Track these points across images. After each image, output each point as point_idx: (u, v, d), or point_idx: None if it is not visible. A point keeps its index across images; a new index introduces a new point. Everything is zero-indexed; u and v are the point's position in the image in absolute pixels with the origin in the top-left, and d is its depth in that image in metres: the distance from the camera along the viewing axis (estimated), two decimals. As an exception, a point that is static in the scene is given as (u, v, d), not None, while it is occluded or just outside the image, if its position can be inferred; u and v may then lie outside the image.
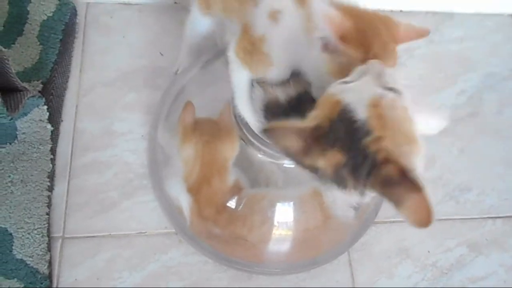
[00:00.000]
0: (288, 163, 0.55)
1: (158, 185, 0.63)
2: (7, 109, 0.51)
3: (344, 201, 0.60)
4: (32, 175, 0.61)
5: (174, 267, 0.61)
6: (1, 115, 0.52)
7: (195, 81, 0.69)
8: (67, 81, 0.70)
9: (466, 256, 0.68)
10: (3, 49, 0.50)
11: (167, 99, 0.67)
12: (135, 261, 0.61)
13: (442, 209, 0.70)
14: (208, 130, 0.55)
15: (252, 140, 0.54)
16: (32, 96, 0.60)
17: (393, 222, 0.68)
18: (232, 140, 0.54)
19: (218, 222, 0.55)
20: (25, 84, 0.62)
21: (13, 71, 0.53)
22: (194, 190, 0.54)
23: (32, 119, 0.62)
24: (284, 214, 0.57)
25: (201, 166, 0.53)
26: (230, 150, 0.54)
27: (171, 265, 0.62)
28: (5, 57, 0.51)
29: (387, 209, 0.66)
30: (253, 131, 0.53)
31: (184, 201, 0.56)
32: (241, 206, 0.56)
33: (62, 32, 0.69)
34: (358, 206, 0.61)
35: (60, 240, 0.60)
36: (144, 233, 0.63)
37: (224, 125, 0.55)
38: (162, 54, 0.75)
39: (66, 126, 0.67)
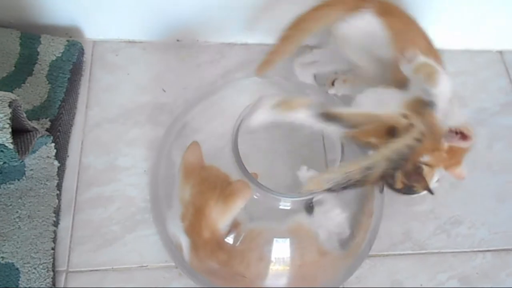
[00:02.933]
0: (283, 205, 0.58)
1: (159, 220, 0.65)
2: (18, 153, 0.54)
3: (327, 234, 0.63)
4: (39, 211, 0.63)
5: (174, 301, 0.64)
6: (13, 159, 0.55)
7: (197, 117, 0.72)
8: (73, 118, 0.73)
9: (458, 289, 0.70)
10: (17, 97, 0.53)
11: (170, 135, 0.70)
12: (137, 295, 0.63)
13: (434, 243, 0.72)
14: (210, 181, 0.55)
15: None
16: (41, 136, 0.63)
17: (387, 255, 0.71)
18: (226, 208, 0.54)
19: (216, 259, 0.57)
20: (34, 122, 0.65)
21: (25, 115, 0.56)
22: (189, 232, 0.56)
23: (40, 156, 0.65)
24: (280, 250, 0.60)
25: (194, 211, 0.55)
26: (220, 216, 0.55)
27: (171, 299, 0.64)
28: (18, 105, 0.54)
29: (381, 242, 0.69)
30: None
31: (182, 240, 0.58)
32: (238, 243, 0.58)
33: (70, 71, 0.72)
34: (344, 240, 0.64)
35: (65, 274, 0.63)
36: (145, 266, 0.65)
37: (227, 186, 0.55)
38: (164, 91, 0.78)
39: (72, 162, 0.70)
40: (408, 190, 0.68)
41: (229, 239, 0.58)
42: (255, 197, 0.56)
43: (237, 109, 0.64)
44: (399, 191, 0.69)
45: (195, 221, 0.56)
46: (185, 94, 0.78)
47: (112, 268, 0.64)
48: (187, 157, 0.58)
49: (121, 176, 0.71)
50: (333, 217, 0.63)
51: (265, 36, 0.84)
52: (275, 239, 0.59)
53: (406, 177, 0.65)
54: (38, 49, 0.72)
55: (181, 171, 0.58)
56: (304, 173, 0.70)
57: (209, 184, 0.55)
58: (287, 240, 0.60)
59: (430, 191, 0.66)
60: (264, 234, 0.59)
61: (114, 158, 0.72)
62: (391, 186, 0.69)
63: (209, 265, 0.58)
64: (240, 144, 0.61)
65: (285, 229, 0.60)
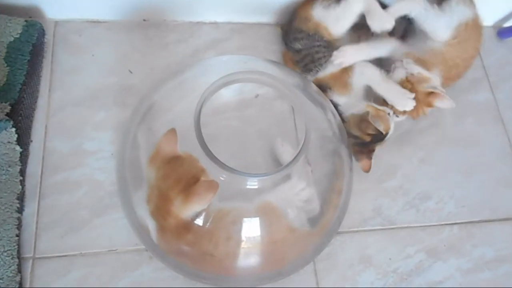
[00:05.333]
0: (251, 185, 0.57)
1: (127, 203, 0.64)
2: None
3: (296, 211, 0.63)
4: (1, 198, 0.61)
5: (145, 283, 0.63)
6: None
7: (165, 97, 0.71)
8: (36, 102, 0.71)
9: (425, 261, 0.71)
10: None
11: (136, 116, 0.69)
12: (107, 279, 0.63)
13: (403, 217, 0.74)
14: (179, 172, 0.54)
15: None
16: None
17: (356, 231, 0.72)
18: (186, 205, 0.53)
19: (184, 240, 0.57)
20: (-7, 107, 0.63)
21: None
22: (155, 215, 0.55)
23: (1, 142, 0.63)
24: (250, 228, 0.60)
25: (159, 195, 0.55)
26: (180, 210, 0.54)
27: (141, 281, 0.63)
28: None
29: (351, 219, 0.70)
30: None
31: (149, 223, 0.58)
32: (208, 224, 0.58)
33: (30, 53, 0.70)
34: (314, 217, 0.65)
35: (31, 261, 0.62)
36: (114, 250, 0.64)
37: (193, 183, 0.53)
38: (131, 72, 0.76)
39: (35, 147, 0.68)
40: (376, 138, 0.71)
41: (198, 221, 0.57)
42: (222, 178, 0.56)
43: (205, 88, 0.63)
44: (370, 143, 0.72)
45: (160, 205, 0.55)
46: (153, 75, 0.76)
47: (81, 253, 0.63)
48: (162, 144, 0.57)
49: (88, 160, 0.69)
50: (301, 193, 0.64)
51: (234, 14, 0.83)
52: (244, 218, 0.59)
53: (358, 128, 0.71)
54: (-6, 30, 0.69)
55: (153, 155, 0.57)
56: (279, 145, 0.70)
57: (176, 175, 0.54)
58: (257, 219, 0.60)
59: (382, 136, 0.70)
60: (233, 214, 0.59)
61: (80, 142, 0.70)
62: (363, 144, 0.72)
63: (177, 247, 0.58)
64: (209, 125, 0.60)
65: (254, 208, 0.60)
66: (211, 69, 0.70)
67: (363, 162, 0.72)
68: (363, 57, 0.73)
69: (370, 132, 0.69)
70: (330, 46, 0.73)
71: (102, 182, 0.68)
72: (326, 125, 0.71)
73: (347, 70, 0.72)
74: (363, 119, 0.69)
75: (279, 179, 0.59)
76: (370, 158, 0.72)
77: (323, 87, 0.73)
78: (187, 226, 0.56)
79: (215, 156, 0.55)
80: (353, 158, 0.72)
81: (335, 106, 0.72)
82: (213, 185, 0.53)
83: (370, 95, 0.73)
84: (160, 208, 0.56)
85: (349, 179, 0.70)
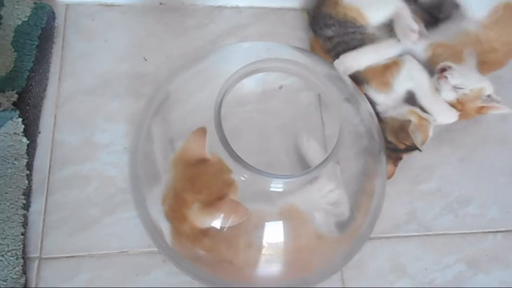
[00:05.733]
0: (275, 187, 0.52)
1: (140, 202, 0.59)
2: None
3: (324, 216, 0.57)
4: (6, 193, 0.57)
5: (158, 289, 0.59)
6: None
7: (181, 87, 0.65)
8: (45, 90, 0.66)
9: (465, 273, 0.64)
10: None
11: (150, 108, 0.64)
12: (116, 282, 0.58)
13: (440, 223, 0.67)
14: (202, 181, 0.49)
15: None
16: (3, 110, 0.56)
17: (388, 237, 0.65)
18: (207, 213, 0.48)
19: (201, 245, 0.52)
20: (-2, 95, 0.58)
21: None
22: (170, 217, 0.50)
23: (6, 133, 0.59)
24: (272, 234, 0.54)
25: (175, 196, 0.49)
26: (197, 220, 0.49)
27: (154, 286, 0.59)
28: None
29: (383, 223, 0.63)
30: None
31: (162, 225, 0.53)
32: (226, 227, 0.52)
33: (39, 38, 0.65)
34: (343, 222, 0.59)
35: (37, 261, 0.57)
36: (126, 252, 0.60)
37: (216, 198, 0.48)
38: (146, 59, 0.71)
39: (43, 138, 0.64)
40: (411, 148, 0.64)
41: (215, 223, 0.52)
42: (243, 178, 0.50)
43: (225, 78, 0.57)
44: (402, 151, 0.65)
45: (176, 207, 0.50)
46: (169, 62, 0.71)
47: (90, 254, 0.59)
48: (188, 144, 0.51)
49: (99, 154, 0.64)
50: (329, 195, 0.58)
51: (258, -3, 0.76)
52: (266, 222, 0.54)
53: (395, 135, 0.64)
54: (1, 13, 0.65)
55: (178, 155, 0.52)
56: (304, 141, 0.64)
57: (200, 182, 0.49)
58: (280, 223, 0.54)
59: (418, 148, 0.62)
60: (254, 217, 0.53)
61: (91, 134, 0.65)
62: (396, 150, 0.65)
63: (193, 251, 0.53)
64: (229, 118, 0.55)
65: (277, 211, 0.54)
66: (232, 56, 0.64)
67: (388, 168, 0.65)
68: (368, 63, 0.66)
69: (407, 143, 0.63)
70: (367, 33, 0.66)
71: (113, 178, 0.63)
72: (358, 120, 0.64)
73: (392, 67, 0.65)
74: (402, 129, 0.62)
75: (306, 180, 0.53)
76: (396, 165, 0.66)
77: (358, 80, 0.66)
78: (204, 230, 0.51)
79: (236, 153, 0.50)
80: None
81: (372, 104, 0.65)
82: (240, 211, 0.47)
83: (412, 98, 0.65)
84: (176, 211, 0.50)
85: (383, 180, 0.64)
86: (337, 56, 0.67)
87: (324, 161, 0.50)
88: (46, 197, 0.61)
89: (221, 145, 0.50)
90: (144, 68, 0.70)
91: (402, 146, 0.64)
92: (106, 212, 0.61)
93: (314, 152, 0.63)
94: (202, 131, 0.50)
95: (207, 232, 0.51)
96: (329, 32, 0.68)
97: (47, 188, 0.61)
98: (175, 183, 0.50)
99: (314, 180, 0.56)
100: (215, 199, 0.48)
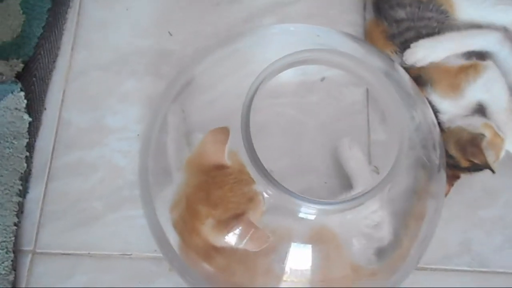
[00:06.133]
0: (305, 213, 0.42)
1: (148, 201, 0.51)
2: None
3: (363, 242, 0.48)
4: (1, 176, 0.51)
5: (161, 301, 0.51)
6: None
7: (208, 71, 0.56)
8: (54, 61, 0.59)
9: (524, 322, 0.54)
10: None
11: (170, 92, 0.55)
12: (116, 289, 0.51)
13: (500, 259, 0.56)
14: (218, 194, 0.41)
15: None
16: (3, 82, 0.49)
17: (435, 270, 0.55)
18: (221, 232, 0.40)
19: (212, 263, 0.44)
20: (1, 63, 0.51)
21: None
22: (179, 228, 0.42)
23: (6, 108, 0.52)
24: (298, 259, 0.45)
25: (186, 208, 0.41)
26: (211, 234, 0.40)
27: (157, 298, 0.52)
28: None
29: (430, 252, 0.53)
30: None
31: (169, 234, 0.45)
32: (243, 243, 0.44)
33: (52, 0, 0.57)
34: (384, 248, 0.49)
35: (30, 255, 0.51)
36: (129, 255, 0.53)
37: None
38: (171, 34, 0.62)
39: (49, 116, 0.57)
40: (476, 167, 0.53)
41: (231, 237, 0.43)
42: (266, 195, 0.41)
43: (261, 64, 0.48)
44: (463, 169, 0.54)
45: (187, 218, 0.42)
46: (197, 40, 0.62)
47: (89, 253, 0.52)
48: (205, 145, 0.42)
49: (108, 140, 0.57)
50: (371, 217, 0.48)
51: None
52: (292, 243, 0.45)
53: (461, 149, 0.53)
54: (11, -32, 0.57)
55: (193, 157, 0.44)
56: (346, 148, 0.54)
57: (216, 194, 0.41)
58: (308, 247, 0.45)
59: (491, 169, 0.51)
60: (277, 237, 0.44)
61: (102, 115, 0.58)
62: (456, 167, 0.54)
63: (204, 267, 0.45)
64: (258, 111, 0.46)
65: (306, 232, 0.45)
66: (270, 40, 0.55)
67: None
68: (446, 54, 0.54)
69: (475, 161, 0.51)
70: (448, 23, 0.54)
71: (122, 169, 0.56)
72: (415, 127, 0.54)
73: (468, 70, 0.53)
74: (473, 143, 0.51)
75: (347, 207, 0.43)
76: (452, 185, 0.55)
77: (420, 80, 0.54)
78: (218, 247, 0.43)
79: (262, 165, 0.41)
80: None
81: (433, 111, 0.54)
82: (260, 237, 0.39)
83: (482, 112, 0.54)
84: (187, 222, 0.42)
85: (438, 202, 0.53)
86: (402, 44, 0.55)
87: (375, 187, 0.41)
88: (46, 184, 0.54)
89: (245, 151, 0.40)
90: (168, 45, 0.61)
91: (465, 164, 0.53)
92: (111, 207, 0.54)
93: (356, 163, 0.53)
94: (224, 132, 0.41)
95: (221, 249, 0.43)
96: (401, 14, 0.56)
97: (48, 173, 0.54)
98: (188, 190, 0.42)
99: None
100: (232, 217, 0.39)
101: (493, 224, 0.57)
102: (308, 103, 0.59)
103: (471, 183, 0.57)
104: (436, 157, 0.52)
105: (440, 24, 0.54)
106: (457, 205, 0.57)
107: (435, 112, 0.54)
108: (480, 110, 0.54)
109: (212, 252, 0.43)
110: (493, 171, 0.51)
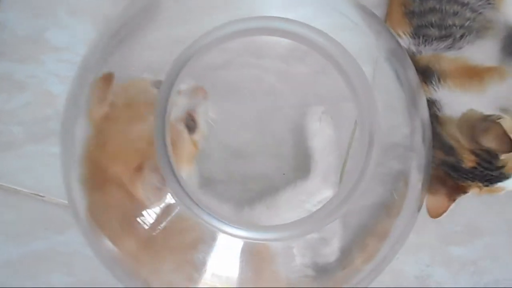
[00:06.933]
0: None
1: (67, 138, 0.42)
2: None
3: (305, 258, 0.40)
4: None
5: (66, 255, 0.45)
6: None
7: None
8: None
9: None
10: None
11: (126, 17, 0.44)
12: (19, 230, 0.45)
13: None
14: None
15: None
16: None
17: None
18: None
19: (121, 246, 0.37)
20: None
21: None
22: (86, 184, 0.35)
23: None
24: (222, 262, 0.38)
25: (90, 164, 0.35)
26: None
27: (62, 251, 0.46)
28: None
29: (379, 279, 0.46)
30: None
31: (77, 193, 0.37)
32: (160, 227, 0.37)
33: None
34: (326, 266, 0.42)
35: None
36: (41, 196, 0.46)
37: None
38: None
39: (-21, 13, 0.47)
40: (488, 168, 0.41)
41: (148, 216, 0.36)
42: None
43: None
44: (467, 174, 0.42)
45: (91, 175, 0.35)
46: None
47: (-3, 183, 0.46)
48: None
49: (46, 58, 0.47)
50: None
51: None
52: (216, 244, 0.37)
53: (468, 129, 0.40)
54: None
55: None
56: (315, 118, 0.44)
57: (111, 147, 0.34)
58: (239, 248, 0.37)
59: (498, 163, 0.39)
60: (200, 230, 0.36)
61: (44, 27, 0.48)
62: (457, 168, 0.42)
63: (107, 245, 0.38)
64: (234, 69, 0.44)
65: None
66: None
67: (435, 199, 0.44)
68: None
69: (489, 144, 0.39)
70: (484, 16, 0.42)
71: (55, 96, 0.47)
72: (404, 132, 0.44)
73: (492, 72, 0.42)
74: (487, 118, 0.39)
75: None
76: (452, 200, 0.44)
77: (426, 73, 0.43)
78: (132, 227, 0.36)
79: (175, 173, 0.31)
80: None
81: (433, 102, 0.43)
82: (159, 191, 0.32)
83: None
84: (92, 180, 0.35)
85: (408, 222, 0.44)
86: (419, 28, 0.43)
87: (332, 211, 0.32)
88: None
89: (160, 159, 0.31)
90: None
91: (470, 162, 0.41)
92: (33, 137, 0.46)
93: (322, 142, 0.44)
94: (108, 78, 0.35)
95: (134, 231, 0.36)
96: None
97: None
98: (90, 141, 0.35)
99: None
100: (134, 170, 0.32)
101: (462, 266, 0.49)
102: (294, 73, 0.48)
103: (455, 213, 0.48)
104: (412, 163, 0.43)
105: (476, 14, 0.41)
106: (429, 233, 0.48)
107: (434, 102, 0.43)
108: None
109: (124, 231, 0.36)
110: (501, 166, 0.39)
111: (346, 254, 0.43)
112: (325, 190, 0.43)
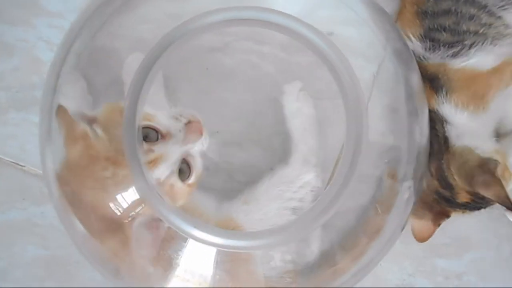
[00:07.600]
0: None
1: (46, 109, 0.40)
2: None
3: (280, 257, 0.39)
4: None
5: (42, 228, 0.45)
6: None
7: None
8: None
9: None
10: None
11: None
12: (-6, 197, 0.44)
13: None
14: None
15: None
16: None
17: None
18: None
19: (103, 242, 0.36)
20: None
21: None
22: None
23: None
24: (198, 258, 0.36)
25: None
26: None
27: (39, 222, 0.45)
28: None
29: (360, 283, 0.45)
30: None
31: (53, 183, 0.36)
32: (132, 215, 0.35)
33: None
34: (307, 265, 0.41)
35: None
36: (22, 166, 0.45)
37: None
38: None
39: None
40: (480, 203, 0.41)
41: (123, 200, 0.35)
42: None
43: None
44: (458, 206, 0.42)
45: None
46: None
47: (-24, 147, 0.44)
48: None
49: (38, 22, 0.45)
50: None
51: None
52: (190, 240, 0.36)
53: (467, 176, 0.39)
54: None
55: None
56: (293, 96, 0.42)
57: None
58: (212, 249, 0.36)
59: (509, 204, 0.37)
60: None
61: (39, -12, 0.46)
62: (450, 201, 0.42)
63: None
64: (232, 54, 0.43)
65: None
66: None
67: (421, 224, 0.43)
68: None
69: (485, 194, 0.39)
70: (500, 25, 0.39)
71: (43, 63, 0.45)
72: (400, 136, 0.42)
73: (502, 74, 0.39)
74: (484, 168, 0.38)
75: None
76: (437, 225, 0.43)
77: (434, 83, 0.41)
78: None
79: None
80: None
81: (440, 122, 0.41)
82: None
83: (501, 133, 0.40)
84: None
85: (400, 218, 0.42)
86: (431, 31, 0.41)
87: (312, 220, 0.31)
88: None
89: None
90: None
91: (464, 198, 0.41)
92: (17, 104, 0.45)
93: (302, 123, 0.41)
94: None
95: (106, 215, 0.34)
96: None
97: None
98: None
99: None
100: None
101: (446, 280, 0.48)
102: (293, 63, 0.46)
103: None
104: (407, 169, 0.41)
105: (493, 19, 0.39)
106: (416, 242, 0.47)
107: (443, 123, 0.41)
108: (497, 131, 0.41)
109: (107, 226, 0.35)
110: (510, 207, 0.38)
111: (327, 253, 0.42)
112: (306, 174, 0.41)
